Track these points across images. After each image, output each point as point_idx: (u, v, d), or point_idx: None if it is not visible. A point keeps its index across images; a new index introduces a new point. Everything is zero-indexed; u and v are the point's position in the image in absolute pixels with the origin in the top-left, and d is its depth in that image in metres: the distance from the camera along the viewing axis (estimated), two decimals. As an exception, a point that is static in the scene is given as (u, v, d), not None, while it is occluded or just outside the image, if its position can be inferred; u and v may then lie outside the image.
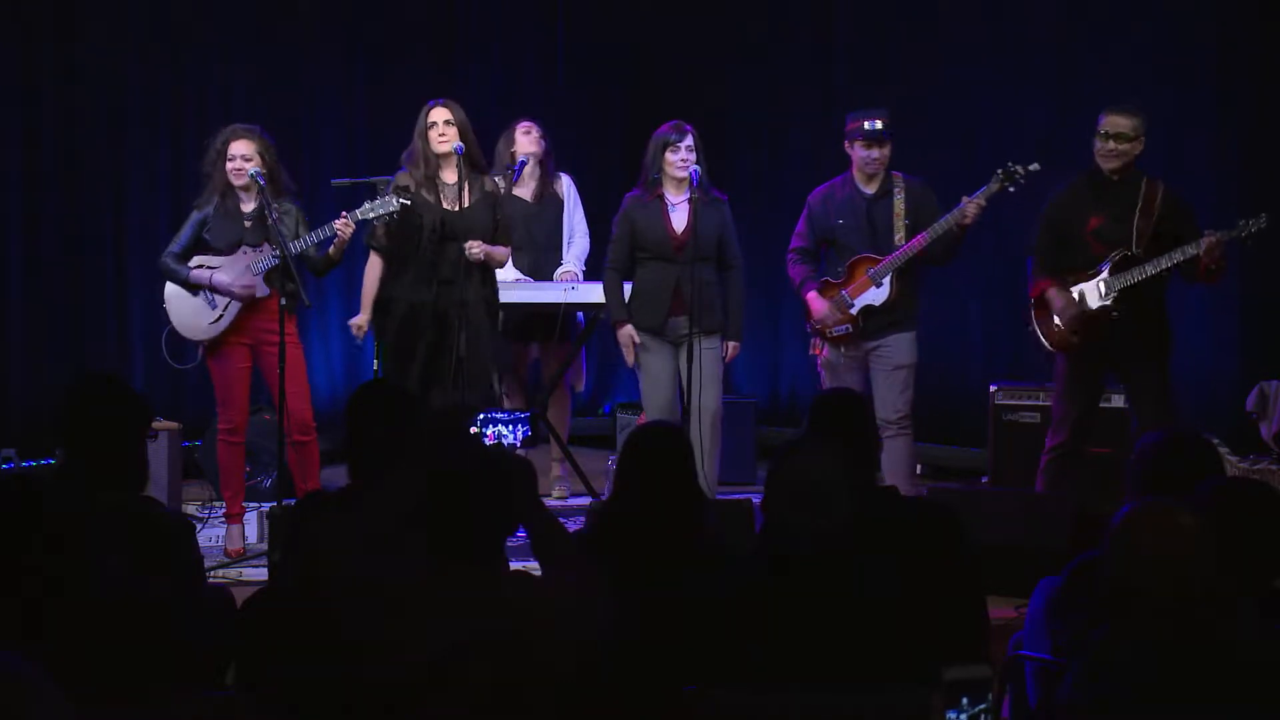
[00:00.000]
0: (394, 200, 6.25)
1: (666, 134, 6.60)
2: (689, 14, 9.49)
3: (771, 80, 9.30)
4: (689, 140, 6.56)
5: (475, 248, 6.38)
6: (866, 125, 6.54)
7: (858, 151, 6.60)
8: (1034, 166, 6.36)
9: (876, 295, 6.57)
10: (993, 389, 7.32)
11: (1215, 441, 6.72)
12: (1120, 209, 6.06)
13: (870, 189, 6.64)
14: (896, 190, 6.62)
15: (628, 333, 6.71)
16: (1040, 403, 7.07)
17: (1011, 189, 6.41)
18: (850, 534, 3.32)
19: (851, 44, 9.02)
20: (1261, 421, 7.14)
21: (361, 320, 6.57)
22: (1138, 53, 7.83)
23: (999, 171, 6.41)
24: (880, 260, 6.55)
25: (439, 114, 6.43)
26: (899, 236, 6.57)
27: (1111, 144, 6.04)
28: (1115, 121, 6.05)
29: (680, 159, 6.56)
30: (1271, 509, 3.33)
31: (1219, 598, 2.85)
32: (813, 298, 6.64)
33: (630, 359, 6.80)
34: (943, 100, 8.49)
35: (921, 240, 6.48)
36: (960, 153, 8.23)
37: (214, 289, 6.35)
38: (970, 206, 6.41)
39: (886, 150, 6.57)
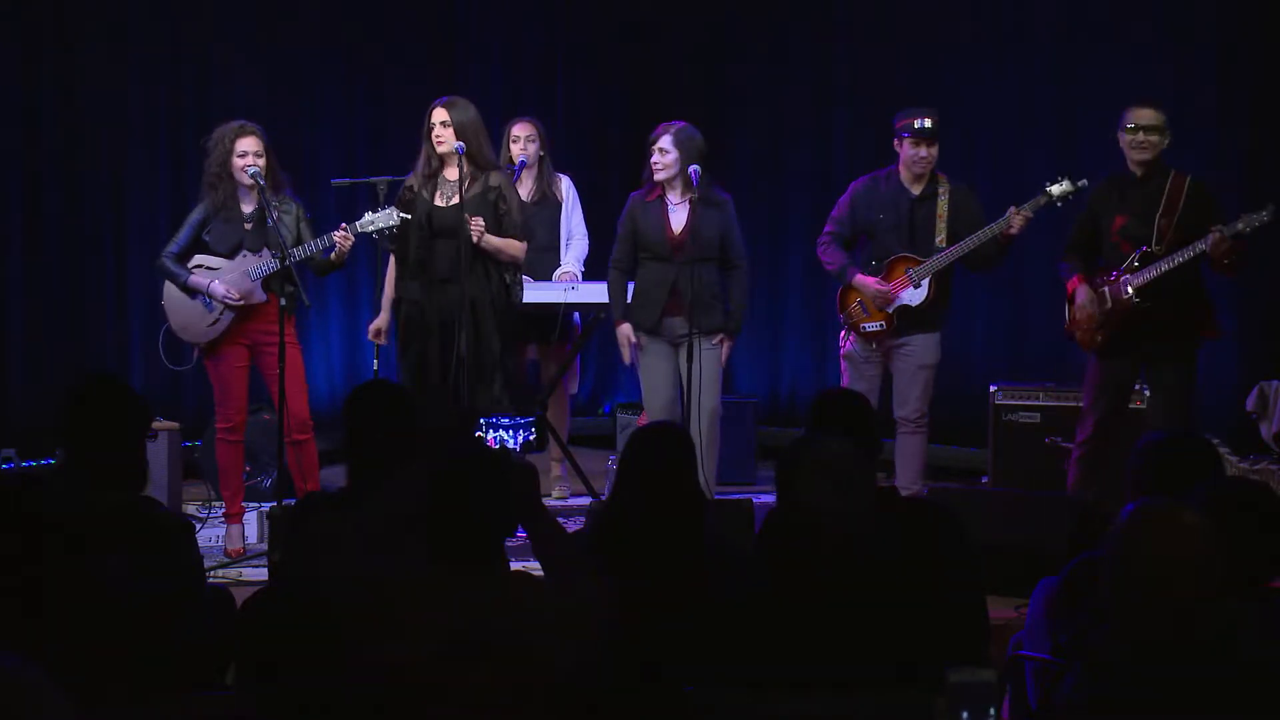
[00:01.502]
0: (394, 214, 6.27)
1: (652, 135, 6.63)
2: (689, 13, 9.48)
3: (772, 80, 9.29)
4: (662, 141, 6.54)
5: (476, 225, 6.34)
6: (917, 124, 6.55)
7: (906, 150, 6.60)
8: (1083, 183, 6.39)
9: (914, 296, 6.58)
10: (993, 389, 7.32)
11: (1215, 442, 6.74)
12: (1144, 207, 6.14)
13: (916, 189, 6.64)
14: (941, 192, 6.62)
15: (625, 332, 6.72)
16: (1040, 403, 7.08)
17: (1059, 204, 6.43)
18: (873, 517, 3.31)
19: (852, 43, 9.01)
20: (1261, 421, 7.14)
21: (380, 324, 6.71)
22: (1138, 52, 7.82)
23: (1047, 184, 6.43)
24: (920, 262, 6.56)
25: (437, 115, 6.46)
26: (940, 239, 6.58)
27: (1142, 135, 6.11)
28: (1144, 114, 6.13)
29: (654, 160, 6.57)
30: (1270, 509, 3.33)
31: (1220, 598, 2.84)
32: (861, 278, 6.61)
33: (627, 358, 6.81)
34: (943, 100, 8.47)
35: (964, 247, 6.49)
36: (960, 152, 8.23)
37: (211, 296, 6.35)
38: (1016, 218, 6.42)
39: (935, 150, 6.58)
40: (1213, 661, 2.82)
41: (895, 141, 6.65)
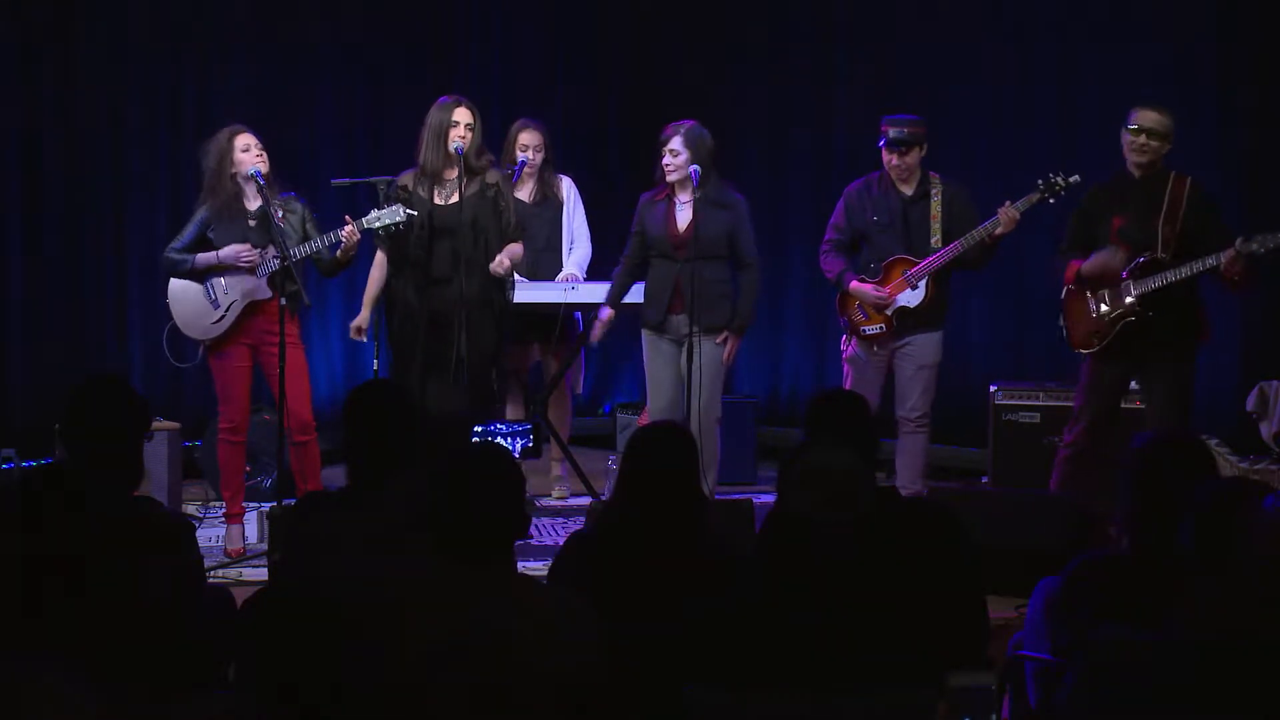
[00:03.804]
0: (400, 210, 6.29)
1: (662, 136, 6.65)
2: (689, 14, 9.48)
3: (772, 80, 9.29)
4: (673, 143, 6.59)
5: (502, 266, 6.55)
6: (892, 133, 6.60)
7: (884, 156, 6.66)
8: (1075, 178, 6.36)
9: (912, 297, 6.61)
10: (993, 389, 7.32)
11: (1215, 442, 6.74)
12: (1144, 209, 6.03)
13: (908, 190, 6.68)
14: (934, 192, 6.65)
15: (604, 315, 6.87)
16: (1040, 403, 7.08)
17: (1051, 200, 6.42)
18: (873, 526, 3.30)
19: (852, 44, 9.01)
20: (1261, 421, 7.14)
21: (360, 321, 6.72)
22: (1138, 52, 7.82)
23: (1040, 183, 6.43)
24: (917, 263, 6.58)
25: (464, 115, 6.47)
26: (935, 239, 6.60)
27: (1143, 138, 6.01)
28: (1148, 115, 6.03)
29: (665, 162, 6.60)
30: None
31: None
32: (857, 284, 6.66)
33: (595, 336, 6.92)
34: (942, 100, 8.48)
35: (958, 247, 6.51)
36: (960, 153, 8.23)
37: (222, 263, 6.32)
38: (1004, 216, 6.42)
39: (909, 158, 6.61)
40: (1214, 662, 2.82)
41: (880, 143, 6.70)
